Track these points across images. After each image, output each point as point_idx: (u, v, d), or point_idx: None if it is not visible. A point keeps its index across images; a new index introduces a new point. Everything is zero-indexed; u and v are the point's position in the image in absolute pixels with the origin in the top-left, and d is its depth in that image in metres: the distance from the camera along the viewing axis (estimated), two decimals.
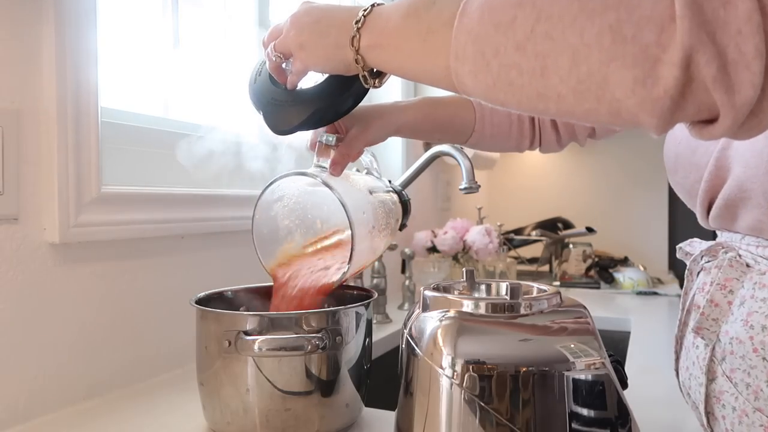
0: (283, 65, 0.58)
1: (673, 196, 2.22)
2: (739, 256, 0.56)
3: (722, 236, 0.61)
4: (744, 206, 0.54)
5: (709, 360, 0.55)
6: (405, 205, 0.72)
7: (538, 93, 0.37)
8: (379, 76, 0.52)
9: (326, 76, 0.57)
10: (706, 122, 0.34)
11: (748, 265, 0.55)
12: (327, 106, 0.57)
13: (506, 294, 0.46)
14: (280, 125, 0.59)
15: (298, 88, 0.58)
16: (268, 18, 1.23)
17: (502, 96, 0.39)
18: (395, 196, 0.71)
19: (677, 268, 2.26)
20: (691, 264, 0.63)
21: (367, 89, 0.57)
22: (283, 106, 0.58)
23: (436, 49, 0.42)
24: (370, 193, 0.66)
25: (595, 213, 2.28)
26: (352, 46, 0.48)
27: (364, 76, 0.51)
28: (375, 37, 0.47)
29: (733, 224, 0.57)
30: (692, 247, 0.65)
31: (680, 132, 0.63)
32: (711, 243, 0.61)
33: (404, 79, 1.66)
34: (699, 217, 0.62)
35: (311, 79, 0.58)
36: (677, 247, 0.67)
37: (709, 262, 0.60)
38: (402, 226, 0.72)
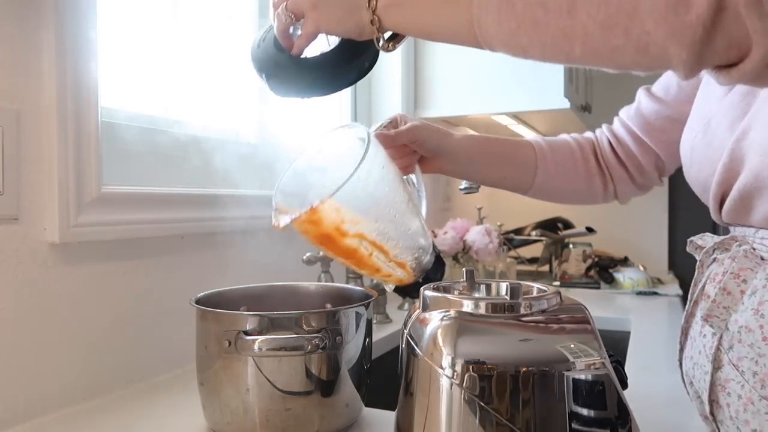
0: (291, 29, 0.56)
1: (672, 197, 2.22)
2: (753, 249, 0.56)
3: (735, 231, 0.61)
4: (760, 197, 0.54)
5: (716, 348, 0.55)
6: (438, 259, 0.63)
7: (563, 33, 0.37)
8: (394, 39, 0.51)
9: (333, 45, 0.56)
10: (733, 66, 0.34)
11: (762, 258, 0.55)
12: (331, 75, 0.56)
13: (506, 294, 0.46)
14: (282, 91, 0.57)
15: (303, 55, 0.56)
16: (268, 18, 1.23)
17: (525, 40, 0.39)
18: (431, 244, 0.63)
19: (677, 268, 2.26)
20: (703, 256, 0.63)
21: (373, 64, 0.55)
22: (288, 72, 0.56)
23: (457, 2, 0.42)
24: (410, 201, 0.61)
25: (595, 213, 2.27)
26: (369, 6, 0.48)
27: (378, 38, 0.50)
28: None
29: (747, 217, 0.57)
30: (704, 240, 0.65)
31: (696, 124, 0.63)
32: (724, 236, 0.61)
33: (406, 54, 1.67)
34: (712, 212, 0.62)
35: (317, 50, 0.57)
36: (688, 240, 0.67)
37: (722, 254, 0.60)
38: (430, 279, 0.61)
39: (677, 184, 2.33)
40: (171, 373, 0.85)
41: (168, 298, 0.85)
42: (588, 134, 0.84)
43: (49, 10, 0.68)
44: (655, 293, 1.66)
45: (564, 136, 0.82)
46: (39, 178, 0.68)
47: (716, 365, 0.55)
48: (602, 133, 0.83)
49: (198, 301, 0.66)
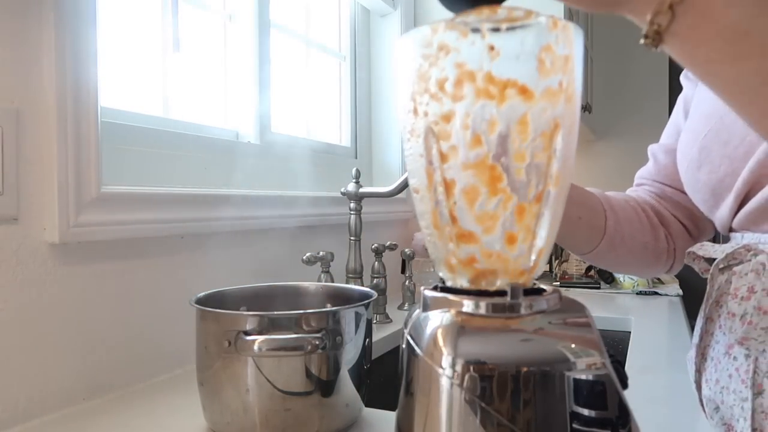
0: None
1: None
2: None
3: (744, 238, 0.57)
4: None
5: (753, 372, 0.52)
6: None
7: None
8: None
9: None
10: None
11: None
12: None
13: (507, 294, 0.46)
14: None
15: None
16: (268, 18, 1.23)
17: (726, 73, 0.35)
18: None
19: None
20: (714, 269, 0.58)
21: None
22: None
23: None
24: None
25: None
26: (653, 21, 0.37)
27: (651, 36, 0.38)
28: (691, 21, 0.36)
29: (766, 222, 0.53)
30: (705, 250, 0.60)
31: (702, 124, 0.60)
32: (735, 245, 0.57)
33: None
34: (724, 216, 0.58)
35: None
36: (687, 251, 0.62)
37: (738, 266, 0.55)
38: None
39: None
40: (171, 373, 0.85)
41: (168, 298, 0.85)
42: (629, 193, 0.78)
43: (49, 10, 0.68)
44: (655, 293, 1.66)
45: (609, 192, 0.75)
46: (39, 178, 0.68)
47: (756, 390, 0.51)
48: (641, 191, 0.77)
49: (198, 301, 0.66)
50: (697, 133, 0.61)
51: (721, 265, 0.57)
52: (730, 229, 0.60)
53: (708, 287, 0.59)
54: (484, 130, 0.35)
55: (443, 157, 0.37)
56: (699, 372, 0.61)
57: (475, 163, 0.36)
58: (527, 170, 0.37)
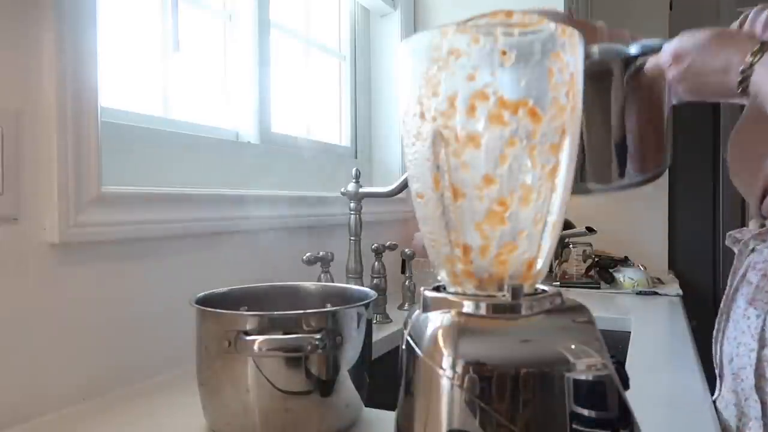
0: None
1: (672, 196, 2.22)
2: None
3: None
4: None
5: (761, 329, 0.65)
6: None
7: None
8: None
9: None
10: None
11: None
12: None
13: (507, 294, 0.46)
14: None
15: None
16: (267, 18, 1.23)
17: None
18: None
19: (677, 268, 2.25)
20: (742, 247, 0.72)
21: None
22: None
23: None
24: None
25: (595, 213, 2.27)
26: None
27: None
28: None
29: None
30: (742, 233, 0.74)
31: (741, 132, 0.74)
32: (761, 228, 0.70)
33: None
34: (755, 205, 0.70)
35: None
36: (727, 234, 0.76)
37: (760, 245, 0.69)
38: None
39: (677, 183, 2.32)
40: (171, 373, 0.85)
41: (168, 298, 0.85)
42: None
43: (49, 10, 0.68)
44: (655, 293, 1.66)
45: None
46: (39, 178, 0.68)
47: (762, 344, 0.64)
48: None
49: (198, 301, 0.66)
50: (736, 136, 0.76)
51: (749, 245, 0.71)
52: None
53: (736, 262, 0.74)
54: (497, 145, 0.36)
55: (454, 180, 0.37)
56: (720, 331, 0.74)
57: (486, 176, 0.37)
58: (536, 180, 0.37)
